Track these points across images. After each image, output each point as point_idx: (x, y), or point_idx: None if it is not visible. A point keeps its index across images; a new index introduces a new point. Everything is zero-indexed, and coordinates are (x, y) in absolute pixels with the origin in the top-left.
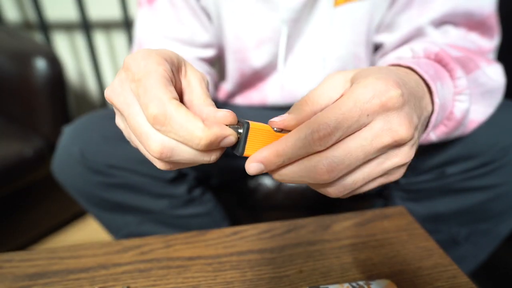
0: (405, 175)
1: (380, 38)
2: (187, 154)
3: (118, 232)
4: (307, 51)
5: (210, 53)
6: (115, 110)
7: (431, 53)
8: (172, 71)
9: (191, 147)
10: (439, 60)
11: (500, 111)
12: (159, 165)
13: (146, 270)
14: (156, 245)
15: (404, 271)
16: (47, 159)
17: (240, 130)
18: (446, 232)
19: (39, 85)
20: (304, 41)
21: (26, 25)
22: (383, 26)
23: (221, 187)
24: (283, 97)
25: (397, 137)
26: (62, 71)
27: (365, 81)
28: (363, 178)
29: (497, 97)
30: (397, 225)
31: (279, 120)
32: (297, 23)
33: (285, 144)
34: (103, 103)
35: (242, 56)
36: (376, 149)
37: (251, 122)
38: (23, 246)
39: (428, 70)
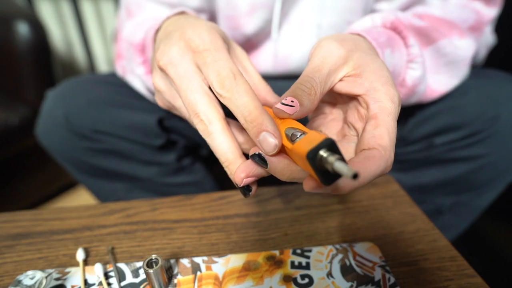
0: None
1: (379, 6)
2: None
3: (107, 199)
4: (301, 18)
5: (201, 18)
6: (163, 74)
7: (387, 22)
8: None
9: (240, 120)
10: (394, 28)
11: (488, 81)
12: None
13: (131, 231)
14: (142, 208)
15: (387, 235)
16: (33, 127)
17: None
18: (431, 202)
19: (21, 51)
20: (298, 7)
21: None
22: None
23: (211, 158)
24: (275, 66)
25: None
26: (45, 36)
27: (386, 90)
28: None
29: (463, 69)
30: (383, 192)
31: (292, 113)
32: None
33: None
34: (91, 71)
35: (234, 23)
36: None
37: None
38: None
39: (378, 37)
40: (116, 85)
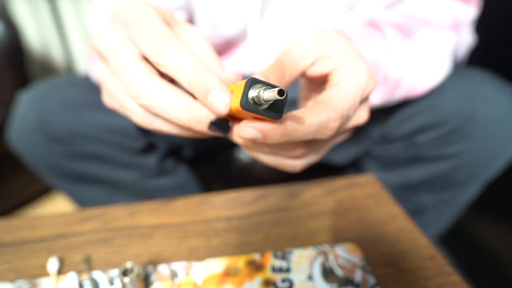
0: (378, 143)
1: (361, 4)
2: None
3: (86, 204)
4: (282, 18)
5: (181, 17)
6: (100, 57)
7: (365, 19)
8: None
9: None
10: (371, 24)
11: (466, 80)
12: (136, 117)
13: (108, 238)
14: (119, 213)
15: (368, 235)
16: (6, 130)
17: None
18: (414, 200)
19: None
20: (279, 6)
21: None
22: None
23: (195, 160)
24: (256, 66)
25: (366, 118)
26: (19, 36)
27: (355, 66)
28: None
29: (445, 63)
30: (365, 192)
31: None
32: None
33: (296, 127)
34: (69, 72)
35: (212, 24)
36: (352, 127)
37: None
38: None
39: (354, 30)
40: (92, 87)
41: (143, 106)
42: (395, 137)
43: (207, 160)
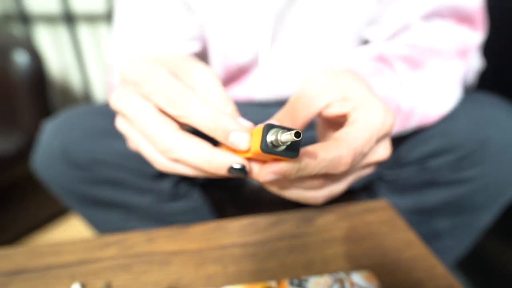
0: (390, 168)
1: (368, 33)
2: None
3: (103, 228)
4: (292, 46)
5: (196, 47)
6: (119, 116)
7: (373, 55)
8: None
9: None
10: (380, 59)
11: (477, 105)
12: (158, 165)
13: (127, 265)
14: (138, 239)
15: (384, 263)
16: (28, 156)
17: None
18: (429, 225)
19: (19, 80)
20: (289, 36)
21: (6, 17)
22: (372, 21)
23: (208, 184)
24: (268, 94)
25: (388, 154)
26: (42, 65)
27: (372, 107)
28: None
29: (455, 91)
30: (379, 218)
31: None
32: (282, 17)
33: (308, 162)
34: (87, 98)
35: (224, 52)
36: (373, 163)
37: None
38: (2, 244)
39: (364, 68)
40: (111, 115)
41: (169, 158)
42: (407, 161)
43: (219, 185)
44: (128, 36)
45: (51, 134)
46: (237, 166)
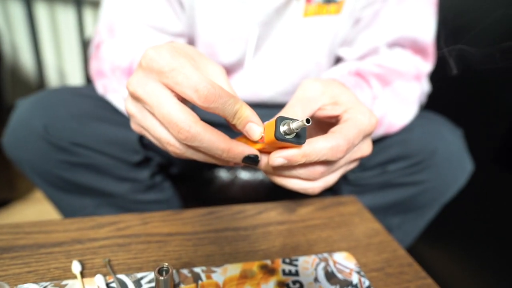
0: (353, 171)
1: (342, 51)
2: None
3: (73, 214)
4: (273, 54)
5: (181, 42)
6: (133, 99)
7: (352, 69)
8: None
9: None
10: (358, 74)
11: (428, 121)
12: (173, 149)
13: (125, 244)
14: (132, 222)
15: (357, 246)
16: None
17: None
18: (383, 221)
19: None
20: (272, 44)
21: None
22: (345, 42)
23: (178, 177)
24: (247, 95)
25: (370, 151)
26: None
27: (360, 110)
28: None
29: (413, 107)
30: (350, 210)
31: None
32: (268, 26)
33: (313, 148)
34: (40, 81)
35: (211, 50)
36: (358, 158)
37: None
38: None
39: (347, 82)
40: (97, 99)
41: (190, 146)
42: (370, 165)
43: (188, 178)
44: (116, 24)
45: (30, 112)
46: (251, 156)
